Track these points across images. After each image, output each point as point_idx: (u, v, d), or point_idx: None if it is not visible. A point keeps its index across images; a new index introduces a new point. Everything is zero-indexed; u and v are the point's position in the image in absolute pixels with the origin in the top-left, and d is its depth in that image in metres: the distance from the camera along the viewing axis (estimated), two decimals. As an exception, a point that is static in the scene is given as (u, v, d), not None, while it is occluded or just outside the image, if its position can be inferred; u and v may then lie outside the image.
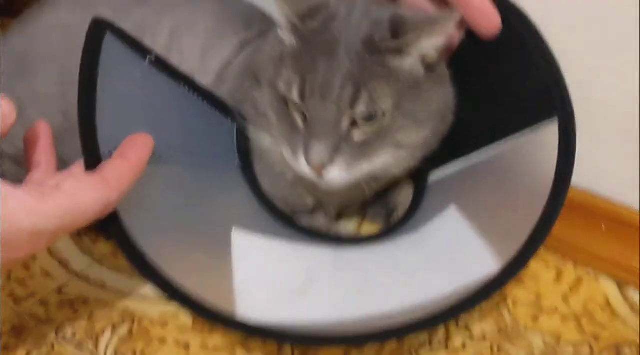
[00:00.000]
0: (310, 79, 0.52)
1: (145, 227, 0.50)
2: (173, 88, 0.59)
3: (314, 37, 0.53)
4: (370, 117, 0.52)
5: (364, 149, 0.54)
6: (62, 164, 0.67)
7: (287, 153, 0.55)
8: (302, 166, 0.54)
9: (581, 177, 0.62)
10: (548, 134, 0.53)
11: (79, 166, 0.49)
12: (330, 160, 0.52)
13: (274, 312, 0.51)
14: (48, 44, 0.67)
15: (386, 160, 0.55)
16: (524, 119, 0.55)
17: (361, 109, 0.52)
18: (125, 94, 0.54)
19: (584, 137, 0.60)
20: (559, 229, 0.64)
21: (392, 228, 0.63)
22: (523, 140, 0.56)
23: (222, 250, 0.55)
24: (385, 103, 0.52)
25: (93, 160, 0.48)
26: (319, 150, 0.52)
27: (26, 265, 0.68)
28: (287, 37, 0.55)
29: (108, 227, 0.48)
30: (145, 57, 0.56)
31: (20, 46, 0.67)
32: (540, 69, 0.54)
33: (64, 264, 0.68)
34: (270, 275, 0.55)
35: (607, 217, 0.62)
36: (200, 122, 0.60)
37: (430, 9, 0.60)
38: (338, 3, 0.56)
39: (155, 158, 0.50)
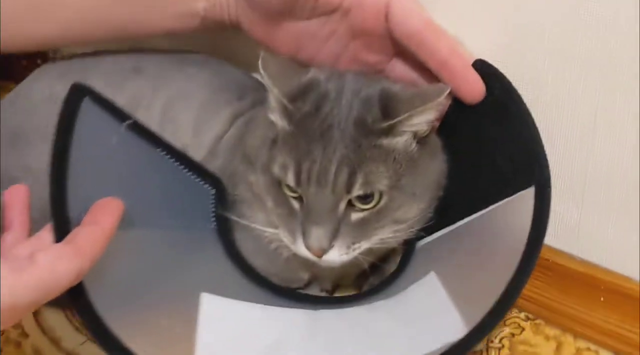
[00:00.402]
0: (306, 165, 0.52)
1: (110, 296, 0.49)
2: (149, 152, 0.58)
3: (306, 120, 0.53)
4: (366, 198, 0.52)
5: (363, 228, 0.53)
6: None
7: (285, 236, 0.55)
8: (302, 250, 0.53)
9: (580, 248, 0.63)
10: (524, 201, 0.53)
11: (48, 232, 0.48)
12: (330, 245, 0.52)
13: None
14: (40, 117, 0.66)
15: (387, 237, 0.55)
16: (505, 188, 0.55)
17: (357, 192, 0.52)
18: (100, 158, 0.53)
19: (584, 207, 0.60)
20: (557, 300, 0.65)
21: (373, 290, 0.62)
22: (500, 208, 0.56)
23: (189, 315, 0.54)
24: (382, 184, 0.52)
25: (62, 229, 0.47)
26: (318, 236, 0.52)
27: (17, 343, 0.67)
28: (278, 120, 0.55)
29: (73, 301, 0.47)
30: (122, 122, 0.56)
31: (13, 119, 0.67)
32: (521, 137, 0.54)
33: (56, 342, 0.67)
34: (237, 339, 0.54)
35: (607, 289, 0.62)
36: (176, 186, 0.60)
37: (417, 78, 0.61)
38: (327, 80, 0.56)
39: (126, 223, 0.49)
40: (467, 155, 0.59)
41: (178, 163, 0.60)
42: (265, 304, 0.58)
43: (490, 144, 0.57)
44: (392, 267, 0.65)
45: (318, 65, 0.60)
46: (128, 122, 0.56)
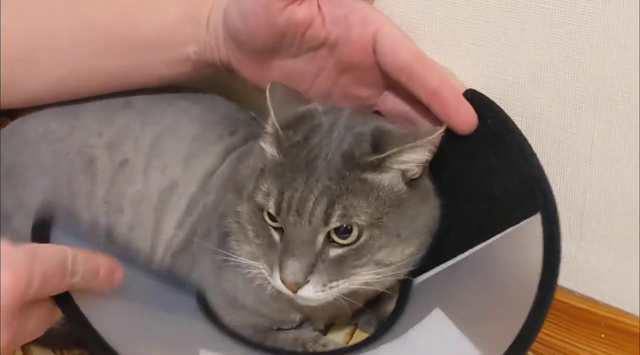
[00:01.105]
0: (287, 194, 0.51)
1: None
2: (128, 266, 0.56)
3: (294, 150, 0.53)
4: (345, 233, 0.51)
5: (341, 266, 0.52)
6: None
7: (264, 268, 0.54)
8: (278, 283, 0.52)
9: (578, 283, 0.62)
10: (530, 230, 0.52)
11: None
12: (305, 279, 0.51)
13: None
14: (35, 154, 0.67)
15: (367, 279, 0.53)
16: (506, 218, 0.54)
17: (335, 224, 0.51)
18: None
19: (582, 240, 0.59)
20: (557, 337, 0.64)
21: (376, 335, 0.60)
22: (505, 239, 0.54)
23: None
24: (360, 219, 0.51)
25: None
26: (293, 269, 0.51)
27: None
28: (268, 147, 0.55)
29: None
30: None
31: (7, 156, 0.67)
32: (518, 166, 0.53)
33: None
34: None
35: (607, 325, 0.60)
36: (158, 295, 0.60)
37: (409, 111, 0.60)
38: (323, 114, 0.55)
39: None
40: (461, 187, 0.58)
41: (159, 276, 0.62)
42: None
43: (486, 175, 0.56)
44: (389, 306, 0.64)
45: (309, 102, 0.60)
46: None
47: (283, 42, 0.57)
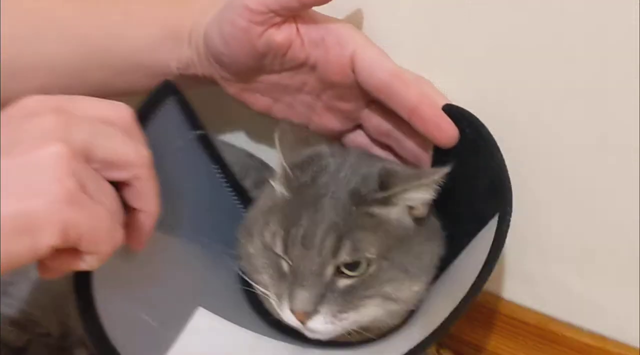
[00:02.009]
0: (293, 231, 0.52)
1: (113, 284, 0.50)
2: (205, 166, 0.61)
3: (302, 190, 0.54)
4: (354, 266, 0.52)
5: (351, 298, 0.53)
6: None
7: (273, 300, 0.55)
8: (287, 314, 0.53)
9: (586, 319, 0.61)
10: (488, 230, 0.53)
11: None
12: (314, 309, 0.52)
13: None
14: None
15: (376, 313, 0.54)
16: (479, 221, 0.55)
17: (344, 258, 0.52)
18: (158, 154, 0.54)
19: (585, 275, 0.60)
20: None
21: (366, 341, 0.60)
22: (473, 241, 0.56)
23: (179, 322, 0.55)
24: (370, 251, 0.52)
25: None
26: (303, 298, 0.51)
27: None
28: (278, 186, 0.56)
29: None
30: (193, 130, 0.59)
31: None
32: (488, 169, 0.54)
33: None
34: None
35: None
36: (219, 206, 0.61)
37: (392, 127, 0.61)
38: (330, 155, 0.57)
39: (159, 224, 0.50)
40: (447, 197, 0.58)
41: (229, 186, 0.62)
42: (256, 332, 0.58)
43: (465, 182, 0.56)
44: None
45: (294, 116, 0.63)
46: (199, 132, 0.60)
47: (264, 62, 0.59)
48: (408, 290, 0.54)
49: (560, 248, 0.60)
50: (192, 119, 0.60)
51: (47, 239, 0.39)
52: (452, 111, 0.56)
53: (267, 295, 0.57)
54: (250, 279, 0.58)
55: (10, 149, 0.40)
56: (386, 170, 0.55)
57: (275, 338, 0.58)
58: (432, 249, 0.56)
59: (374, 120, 0.62)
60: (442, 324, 0.49)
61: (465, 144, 0.56)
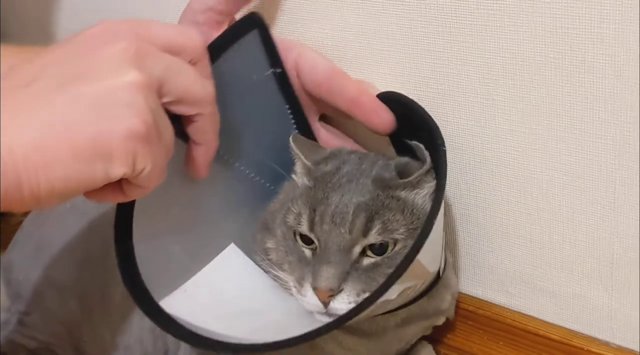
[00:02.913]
0: (320, 209, 0.53)
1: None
2: (277, 103, 0.61)
3: (326, 178, 0.55)
4: (381, 249, 0.52)
5: (375, 276, 0.52)
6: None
7: (293, 284, 0.54)
8: (308, 295, 0.52)
9: (614, 334, 0.60)
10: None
11: None
12: (339, 286, 0.51)
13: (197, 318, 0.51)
14: (63, 227, 0.68)
15: (398, 291, 0.52)
16: None
17: (375, 237, 0.52)
18: (231, 83, 0.56)
19: (613, 289, 0.58)
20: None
21: None
22: None
23: (208, 253, 0.57)
24: (399, 232, 0.52)
25: None
26: (328, 275, 0.51)
27: None
28: (300, 179, 0.57)
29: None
30: (271, 68, 0.60)
31: (37, 231, 0.68)
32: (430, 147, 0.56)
33: None
34: (230, 291, 0.56)
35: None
36: (281, 146, 0.61)
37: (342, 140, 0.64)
38: (350, 153, 0.59)
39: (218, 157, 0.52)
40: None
41: (296, 128, 0.63)
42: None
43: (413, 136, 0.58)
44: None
45: None
46: (276, 69, 0.60)
47: None
48: (427, 272, 0.53)
49: (583, 261, 0.58)
50: (272, 56, 0.60)
51: (119, 168, 0.40)
52: (385, 97, 0.59)
53: (286, 283, 0.56)
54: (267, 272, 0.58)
55: (87, 75, 0.41)
56: (402, 161, 0.57)
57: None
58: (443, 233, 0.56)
59: (322, 134, 0.64)
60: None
61: (405, 122, 0.58)
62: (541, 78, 0.54)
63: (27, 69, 0.41)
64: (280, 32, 0.66)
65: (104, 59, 0.41)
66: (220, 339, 0.49)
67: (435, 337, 0.66)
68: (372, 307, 0.48)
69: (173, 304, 0.52)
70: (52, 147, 0.38)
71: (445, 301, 0.62)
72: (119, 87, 0.40)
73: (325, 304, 0.51)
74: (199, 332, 0.50)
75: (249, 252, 0.59)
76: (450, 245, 0.66)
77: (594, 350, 0.60)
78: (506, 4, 0.53)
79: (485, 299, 0.67)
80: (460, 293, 0.66)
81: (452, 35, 0.57)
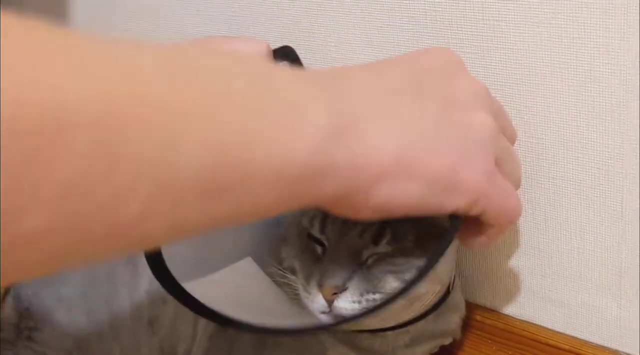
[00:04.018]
0: (333, 215, 0.52)
1: None
2: None
3: None
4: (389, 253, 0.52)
5: (379, 274, 0.52)
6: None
7: (300, 283, 0.54)
8: (314, 295, 0.52)
9: (624, 343, 0.60)
10: None
11: None
12: (344, 283, 0.51)
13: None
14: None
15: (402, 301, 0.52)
16: None
17: (385, 247, 0.52)
18: None
19: (622, 298, 0.58)
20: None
21: None
22: None
23: (225, 261, 0.56)
24: (408, 238, 0.52)
25: None
26: (334, 272, 0.51)
27: None
28: None
29: None
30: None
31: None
32: None
33: None
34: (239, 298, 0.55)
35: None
36: None
37: None
38: None
39: None
40: None
41: None
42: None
43: None
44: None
45: None
46: None
47: None
48: (432, 286, 0.53)
49: (592, 271, 0.59)
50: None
51: (455, 203, 0.40)
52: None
53: (294, 283, 0.56)
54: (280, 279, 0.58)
55: (454, 101, 0.40)
56: None
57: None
58: (454, 250, 0.56)
59: None
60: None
61: None
62: (547, 88, 0.54)
63: (386, 72, 0.41)
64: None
65: (462, 90, 0.41)
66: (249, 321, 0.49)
67: (443, 347, 0.66)
68: (392, 305, 0.48)
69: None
70: (411, 164, 0.37)
71: (453, 323, 0.62)
72: (478, 122, 0.40)
73: (330, 303, 0.51)
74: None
75: (263, 265, 0.59)
76: (458, 256, 0.66)
77: (603, 359, 0.60)
78: (511, 14, 0.53)
79: (494, 309, 0.67)
80: (469, 303, 0.66)
81: (457, 47, 0.57)
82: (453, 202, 0.40)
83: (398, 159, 0.37)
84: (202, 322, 0.64)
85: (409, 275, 0.52)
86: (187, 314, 0.63)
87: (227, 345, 0.63)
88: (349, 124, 0.36)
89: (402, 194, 0.38)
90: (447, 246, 0.47)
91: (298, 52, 0.60)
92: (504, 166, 0.43)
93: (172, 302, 0.64)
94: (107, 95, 0.27)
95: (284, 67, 0.38)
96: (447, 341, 0.63)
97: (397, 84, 0.40)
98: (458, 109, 0.40)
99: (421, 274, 0.47)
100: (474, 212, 0.41)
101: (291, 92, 0.35)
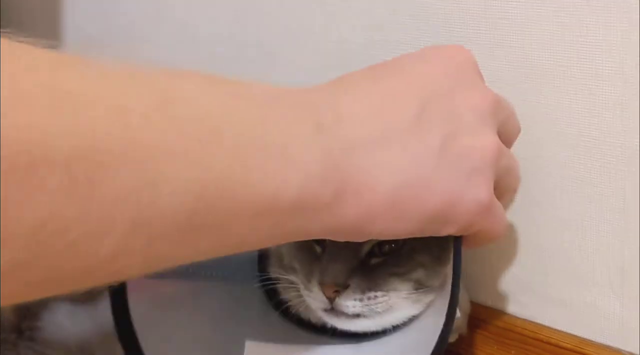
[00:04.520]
0: None
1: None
2: None
3: None
4: (390, 248, 0.52)
5: (382, 274, 0.52)
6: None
7: (301, 281, 0.54)
8: (314, 292, 0.52)
9: (627, 342, 0.59)
10: None
11: None
12: (345, 281, 0.50)
13: None
14: None
15: (405, 296, 0.53)
16: None
17: (385, 245, 0.52)
18: None
19: (624, 297, 0.58)
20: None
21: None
22: None
23: None
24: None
25: None
26: (335, 270, 0.50)
27: None
28: None
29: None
30: None
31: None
32: None
33: None
34: None
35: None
36: None
37: None
38: None
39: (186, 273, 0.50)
40: None
41: None
42: (308, 344, 0.56)
43: None
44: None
45: None
46: None
47: None
48: (435, 279, 0.54)
49: (594, 270, 0.58)
50: None
51: (449, 231, 0.41)
52: None
53: (294, 284, 0.55)
54: (277, 280, 0.58)
55: (457, 126, 0.39)
56: None
57: (324, 343, 0.57)
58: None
59: None
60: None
61: None
62: (549, 86, 0.54)
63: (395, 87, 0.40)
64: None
65: (470, 108, 0.40)
66: None
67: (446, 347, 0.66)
68: None
69: None
70: (405, 204, 0.38)
71: (456, 320, 0.62)
72: (482, 146, 0.40)
73: (331, 300, 0.51)
74: None
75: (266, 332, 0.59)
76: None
77: (605, 357, 0.60)
78: (513, 12, 0.53)
79: (495, 308, 0.67)
80: (470, 302, 0.66)
81: (458, 42, 0.57)
82: (447, 231, 0.41)
83: (392, 199, 0.37)
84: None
85: (414, 276, 0.53)
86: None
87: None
88: (342, 164, 0.36)
89: (395, 231, 0.38)
90: (460, 261, 0.47)
91: (299, 44, 0.60)
92: (502, 182, 0.43)
93: None
94: (85, 134, 0.26)
95: (279, 95, 0.37)
96: (452, 339, 0.63)
97: (399, 113, 0.39)
98: (462, 133, 0.40)
99: (452, 305, 0.47)
100: (474, 230, 0.42)
101: (283, 134, 0.34)
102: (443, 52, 0.44)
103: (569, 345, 0.62)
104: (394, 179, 0.37)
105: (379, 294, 0.52)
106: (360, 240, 0.40)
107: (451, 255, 0.54)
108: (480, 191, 0.40)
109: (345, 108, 0.38)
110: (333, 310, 0.52)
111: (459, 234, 0.42)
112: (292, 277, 0.56)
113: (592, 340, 0.61)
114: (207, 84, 0.34)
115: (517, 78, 0.56)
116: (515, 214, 0.61)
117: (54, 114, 0.25)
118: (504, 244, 0.63)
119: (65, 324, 0.67)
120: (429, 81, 0.41)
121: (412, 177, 0.38)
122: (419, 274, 0.53)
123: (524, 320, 0.65)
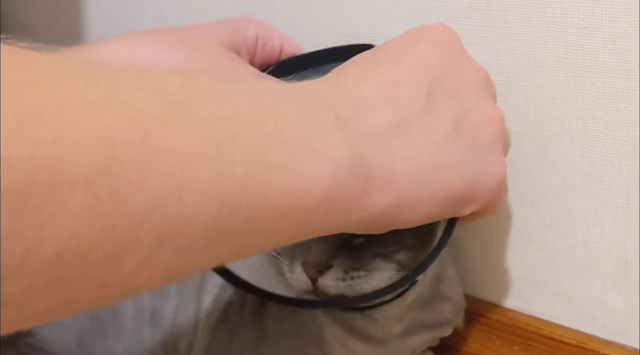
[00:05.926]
0: None
1: None
2: None
3: None
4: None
5: (365, 254, 0.51)
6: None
7: (284, 262, 0.53)
8: (297, 273, 0.51)
9: (631, 337, 0.59)
10: None
11: None
12: (328, 260, 0.50)
13: None
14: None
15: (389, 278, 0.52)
16: None
17: None
18: None
19: (628, 292, 0.58)
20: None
21: None
22: None
23: None
24: None
25: None
26: (318, 249, 0.50)
27: None
28: None
29: None
30: None
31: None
32: None
33: None
34: None
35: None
36: None
37: None
38: None
39: None
40: None
41: None
42: None
43: None
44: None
45: None
46: None
47: None
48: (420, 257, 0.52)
49: (597, 265, 0.58)
50: None
51: (469, 211, 0.41)
52: None
53: (279, 260, 0.54)
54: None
55: (465, 103, 0.40)
56: None
57: None
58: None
59: None
60: None
61: None
62: (553, 78, 0.54)
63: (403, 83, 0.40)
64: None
65: (465, 83, 0.41)
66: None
67: (447, 343, 0.66)
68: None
69: None
70: (431, 188, 0.38)
71: (445, 313, 0.61)
72: (488, 119, 0.40)
73: (314, 280, 0.51)
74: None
75: None
76: (462, 250, 0.66)
77: (609, 353, 0.60)
78: (517, 4, 0.53)
79: (499, 304, 0.67)
80: (473, 298, 0.66)
81: (462, 36, 0.56)
82: (467, 211, 0.41)
83: (418, 184, 0.37)
84: (203, 315, 0.63)
85: (398, 257, 0.52)
86: (189, 307, 0.63)
87: (228, 337, 0.62)
88: (368, 153, 0.35)
89: (420, 216, 0.38)
90: (448, 239, 0.47)
91: (302, 39, 0.60)
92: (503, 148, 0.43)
93: (174, 296, 0.64)
94: (105, 146, 0.24)
95: (289, 89, 0.36)
96: (447, 332, 0.62)
97: (410, 100, 0.39)
98: (469, 110, 0.40)
99: (421, 267, 0.47)
100: (481, 210, 0.42)
101: (304, 129, 0.33)
102: (430, 32, 0.44)
103: (572, 341, 0.62)
104: (417, 164, 0.37)
105: (362, 273, 0.51)
106: (384, 231, 0.39)
107: (436, 239, 0.54)
108: (496, 166, 0.40)
109: (359, 99, 0.38)
110: (316, 291, 0.51)
111: (477, 212, 0.42)
112: (280, 257, 0.55)
113: (595, 336, 0.61)
114: (219, 82, 0.33)
115: (521, 71, 0.55)
116: (520, 209, 0.61)
117: (68, 127, 0.24)
118: (507, 239, 0.63)
119: (65, 320, 0.67)
120: (428, 64, 0.41)
121: (434, 161, 0.38)
122: (402, 255, 0.52)
123: (527, 315, 0.65)
